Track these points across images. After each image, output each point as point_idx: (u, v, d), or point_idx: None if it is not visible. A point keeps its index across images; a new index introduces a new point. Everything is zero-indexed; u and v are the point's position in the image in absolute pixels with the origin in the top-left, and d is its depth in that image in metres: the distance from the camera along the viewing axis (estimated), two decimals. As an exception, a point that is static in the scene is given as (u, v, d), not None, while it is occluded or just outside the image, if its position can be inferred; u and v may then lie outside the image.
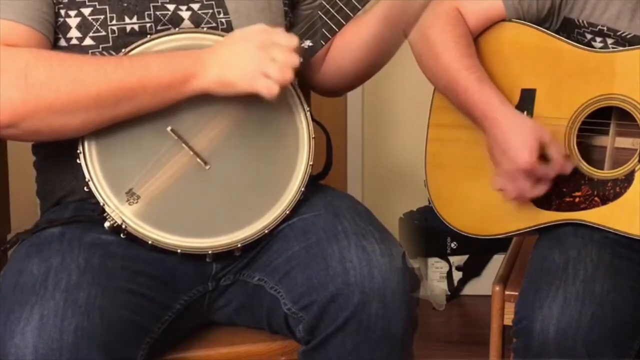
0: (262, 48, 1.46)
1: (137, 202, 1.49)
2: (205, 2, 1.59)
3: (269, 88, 1.46)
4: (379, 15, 1.63)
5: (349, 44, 1.67)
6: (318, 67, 1.70)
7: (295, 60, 1.48)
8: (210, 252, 1.51)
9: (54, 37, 1.54)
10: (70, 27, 1.54)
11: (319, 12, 1.54)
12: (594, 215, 1.70)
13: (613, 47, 1.76)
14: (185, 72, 1.47)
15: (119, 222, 1.48)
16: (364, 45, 1.66)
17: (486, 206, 1.84)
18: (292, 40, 1.49)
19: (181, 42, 1.53)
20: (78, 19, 1.54)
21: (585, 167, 1.74)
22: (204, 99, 1.50)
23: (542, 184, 1.72)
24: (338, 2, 1.53)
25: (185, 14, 1.58)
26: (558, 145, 1.72)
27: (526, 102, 1.80)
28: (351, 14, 1.54)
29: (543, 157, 1.71)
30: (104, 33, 1.54)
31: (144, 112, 1.48)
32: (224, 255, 1.54)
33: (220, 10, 1.60)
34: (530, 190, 1.72)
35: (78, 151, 1.49)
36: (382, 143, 3.16)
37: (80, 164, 1.49)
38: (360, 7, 1.54)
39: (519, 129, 1.71)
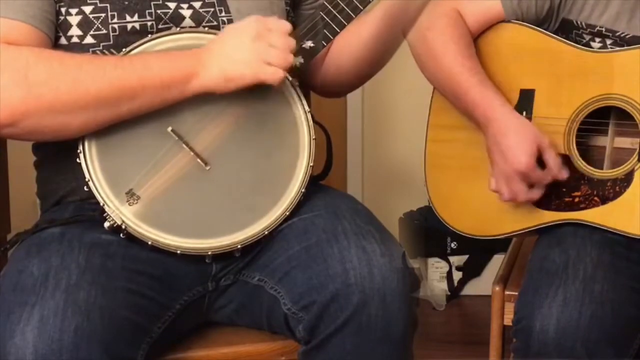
0: (258, 37, 1.47)
1: (137, 203, 1.49)
2: (206, 1, 1.59)
3: (273, 74, 1.47)
4: (379, 15, 1.63)
5: (349, 44, 1.67)
6: (318, 67, 1.70)
7: (292, 42, 1.49)
8: (210, 252, 1.51)
9: (55, 35, 1.53)
10: (71, 25, 1.53)
11: (321, 12, 1.54)
12: (594, 215, 1.70)
13: (611, 48, 1.76)
14: (186, 72, 1.47)
15: (119, 222, 1.48)
16: (364, 45, 1.66)
17: (486, 207, 1.83)
18: (285, 24, 1.50)
19: (182, 42, 1.53)
20: (79, 17, 1.53)
21: (585, 167, 1.74)
22: (204, 100, 1.50)
23: (537, 188, 1.73)
24: (340, 2, 1.53)
25: (186, 13, 1.58)
26: (555, 153, 1.73)
27: (525, 102, 1.80)
28: (353, 15, 1.54)
29: (540, 163, 1.71)
30: (104, 31, 1.54)
31: (144, 111, 1.48)
32: (224, 256, 1.54)
33: (222, 9, 1.60)
34: (524, 193, 1.72)
35: (78, 151, 1.49)
36: (382, 143, 3.16)
37: (80, 163, 1.49)
38: (362, 8, 1.54)
39: (518, 131, 1.72)
